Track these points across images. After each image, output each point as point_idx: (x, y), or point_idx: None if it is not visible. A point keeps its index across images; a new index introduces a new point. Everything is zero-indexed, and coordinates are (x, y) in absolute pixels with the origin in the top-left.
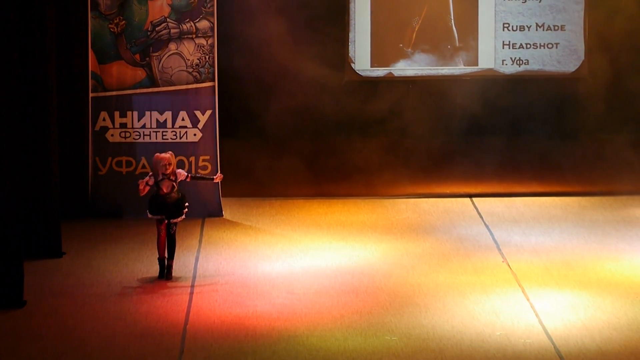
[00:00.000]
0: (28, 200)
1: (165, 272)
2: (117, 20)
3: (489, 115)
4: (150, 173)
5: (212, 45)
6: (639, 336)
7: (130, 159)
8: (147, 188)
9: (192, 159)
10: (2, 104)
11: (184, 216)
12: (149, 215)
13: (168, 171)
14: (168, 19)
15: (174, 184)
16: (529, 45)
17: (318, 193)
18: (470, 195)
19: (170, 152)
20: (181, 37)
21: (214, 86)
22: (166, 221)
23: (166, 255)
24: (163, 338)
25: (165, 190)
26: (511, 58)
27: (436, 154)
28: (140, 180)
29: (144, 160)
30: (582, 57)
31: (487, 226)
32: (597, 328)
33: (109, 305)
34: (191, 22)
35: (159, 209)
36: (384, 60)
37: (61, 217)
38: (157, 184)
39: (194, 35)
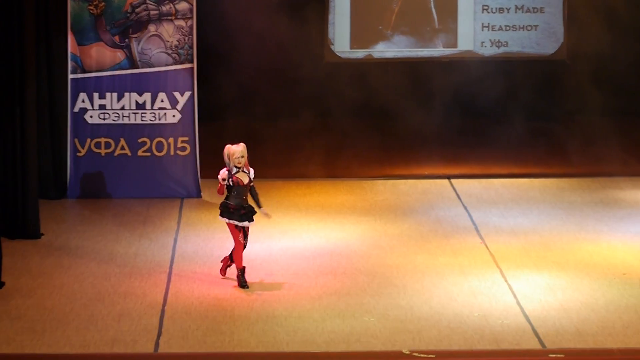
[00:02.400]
0: (6, 181)
1: (243, 280)
2: (97, 1)
3: (468, 97)
4: (227, 168)
5: (191, 27)
6: (616, 317)
7: (110, 140)
8: (224, 185)
9: (171, 140)
10: None
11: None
12: (237, 224)
13: (241, 164)
14: (147, 1)
15: (249, 175)
16: (508, 27)
17: (296, 174)
18: (449, 177)
19: (242, 143)
20: (160, 18)
21: (193, 68)
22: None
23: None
24: (141, 319)
25: (244, 182)
26: (490, 40)
27: (415, 135)
28: (221, 183)
29: (122, 142)
30: (562, 39)
31: (465, 207)
32: (574, 309)
33: (87, 286)
34: (170, 4)
35: (237, 215)
36: (364, 42)
37: (39, 198)
38: (230, 177)
39: (173, 17)
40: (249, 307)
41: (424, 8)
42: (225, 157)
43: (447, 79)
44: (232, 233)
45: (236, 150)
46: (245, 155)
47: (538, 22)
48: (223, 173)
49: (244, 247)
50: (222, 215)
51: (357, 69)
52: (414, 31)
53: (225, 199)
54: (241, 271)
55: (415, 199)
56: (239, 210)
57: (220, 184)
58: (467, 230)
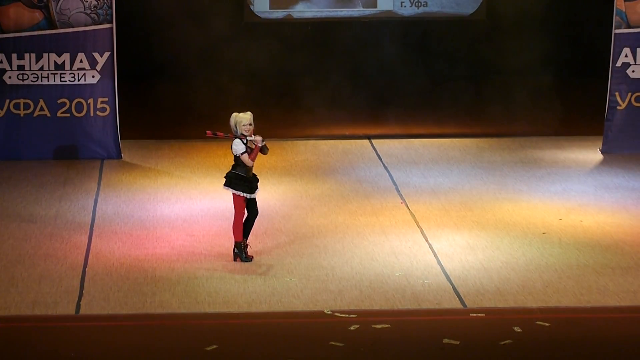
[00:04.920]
0: None
1: (246, 254)
2: None
3: (388, 57)
4: (240, 135)
5: None
6: (536, 276)
7: (28, 101)
8: (258, 148)
9: (91, 101)
10: None
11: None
12: (248, 196)
13: (249, 131)
14: None
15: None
16: None
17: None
18: (370, 137)
19: (249, 112)
20: None
21: (112, 28)
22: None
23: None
24: (62, 281)
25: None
26: (410, 0)
27: (336, 95)
28: (255, 148)
29: (42, 103)
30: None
31: (386, 168)
32: (495, 268)
33: (7, 248)
34: None
35: (251, 185)
36: (283, 2)
37: None
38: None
39: None
40: (170, 268)
41: None
42: (233, 125)
43: (367, 39)
44: (237, 205)
45: (244, 118)
46: (252, 123)
47: None
48: (239, 142)
49: (257, 214)
50: (234, 187)
51: (277, 29)
52: None
53: (233, 169)
54: (239, 245)
55: (336, 159)
56: (251, 181)
57: (256, 147)
58: (387, 190)
